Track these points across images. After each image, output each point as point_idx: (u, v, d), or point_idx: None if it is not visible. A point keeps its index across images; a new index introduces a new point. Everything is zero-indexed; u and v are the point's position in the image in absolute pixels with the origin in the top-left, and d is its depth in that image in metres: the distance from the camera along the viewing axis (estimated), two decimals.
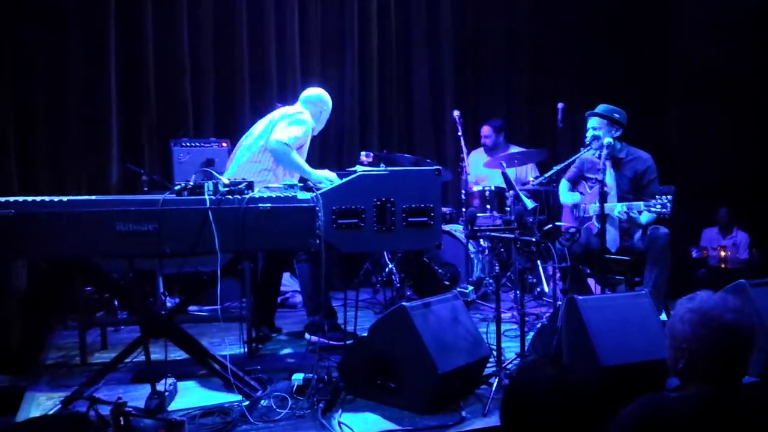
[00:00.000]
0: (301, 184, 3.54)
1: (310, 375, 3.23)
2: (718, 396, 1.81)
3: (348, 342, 3.86)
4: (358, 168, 3.95)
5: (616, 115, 4.46)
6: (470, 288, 5.15)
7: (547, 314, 4.12)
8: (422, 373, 3.01)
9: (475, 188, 5.60)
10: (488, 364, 3.37)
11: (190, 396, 3.28)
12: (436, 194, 3.32)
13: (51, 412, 3.01)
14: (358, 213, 3.21)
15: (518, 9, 7.24)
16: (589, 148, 4.41)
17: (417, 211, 3.25)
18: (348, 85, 6.57)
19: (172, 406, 3.11)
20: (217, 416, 3.00)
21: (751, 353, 1.82)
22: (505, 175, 4.13)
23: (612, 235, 4.35)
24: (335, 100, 6.52)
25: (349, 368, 3.24)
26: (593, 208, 4.35)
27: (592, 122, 4.48)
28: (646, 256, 4.29)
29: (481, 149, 6.28)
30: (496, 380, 3.20)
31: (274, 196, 3.14)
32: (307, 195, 3.16)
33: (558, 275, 3.84)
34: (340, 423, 2.92)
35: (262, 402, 3.14)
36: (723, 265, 6.39)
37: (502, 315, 3.53)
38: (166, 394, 3.08)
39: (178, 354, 3.50)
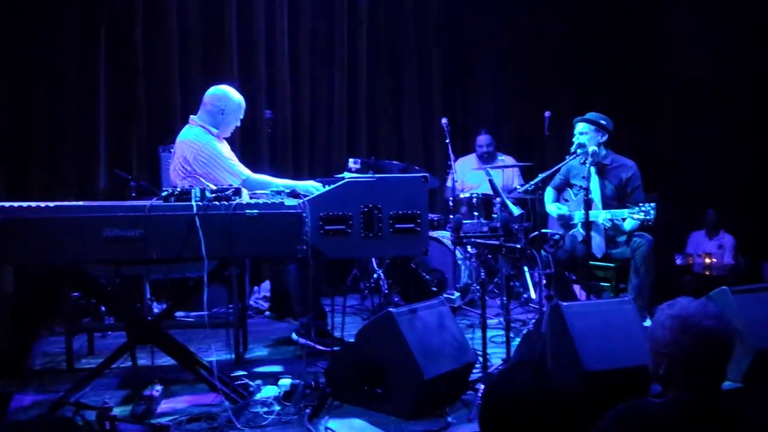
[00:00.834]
0: (288, 191, 3.55)
1: (297, 381, 3.24)
2: (698, 401, 1.83)
3: (335, 348, 3.87)
4: (346, 175, 3.97)
5: (603, 122, 4.52)
6: (456, 294, 5.18)
7: (533, 320, 4.15)
8: (408, 378, 3.03)
9: (463, 195, 5.63)
10: (474, 370, 3.39)
11: (177, 401, 3.28)
12: (423, 201, 3.33)
13: (36, 417, 3.00)
14: (346, 219, 3.22)
15: (508, 17, 7.30)
16: (574, 155, 4.46)
17: (404, 218, 3.27)
18: (337, 92, 6.61)
19: (158, 412, 3.11)
20: (203, 422, 3.00)
21: (730, 359, 1.85)
22: (491, 183, 4.17)
23: (597, 242, 4.40)
24: (325, 107, 6.62)
25: (336, 374, 3.26)
26: (578, 216, 4.39)
27: (579, 127, 4.53)
28: (631, 263, 4.33)
29: (472, 156, 6.31)
30: (482, 386, 3.22)
31: (261, 202, 3.15)
32: (294, 201, 3.18)
33: (543, 282, 3.87)
34: (326, 428, 2.93)
35: (248, 408, 3.14)
36: (708, 272, 6.45)
37: (490, 321, 3.56)
38: (153, 399, 3.08)
39: (164, 360, 3.50)
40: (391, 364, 3.08)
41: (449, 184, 5.76)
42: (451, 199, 5.62)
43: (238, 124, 3.98)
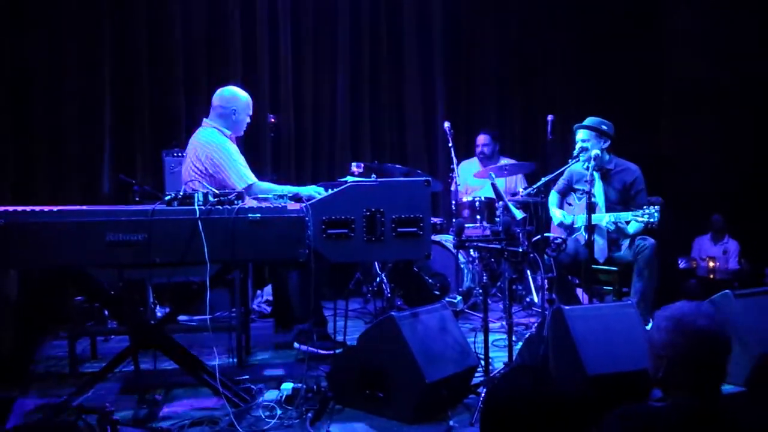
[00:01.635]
0: (291, 194, 3.56)
1: (299, 385, 3.24)
2: (698, 404, 1.83)
3: (337, 351, 3.87)
4: (349, 179, 3.98)
5: (604, 127, 4.51)
6: (459, 298, 5.18)
7: (536, 324, 4.15)
8: (410, 382, 3.03)
9: (465, 198, 5.63)
10: (476, 374, 3.39)
11: (179, 406, 3.28)
12: (426, 205, 3.34)
13: (39, 421, 3.01)
14: (348, 223, 3.23)
15: (510, 21, 7.30)
16: (577, 159, 4.45)
17: (406, 222, 3.27)
18: (340, 96, 6.62)
19: (160, 416, 3.12)
20: (205, 426, 3.02)
21: (727, 358, 1.85)
22: (494, 186, 4.16)
23: (600, 246, 4.40)
24: (328, 111, 6.63)
25: (337, 378, 3.26)
26: (581, 219, 4.39)
27: (581, 135, 4.53)
28: (634, 267, 4.33)
29: (474, 159, 6.31)
30: (484, 389, 3.22)
31: (263, 206, 3.16)
32: (297, 205, 3.19)
33: (546, 285, 3.87)
34: None
35: (251, 412, 3.15)
36: (712, 276, 6.44)
37: (493, 325, 3.56)
38: (155, 403, 3.09)
39: (167, 364, 3.51)
40: (392, 367, 3.08)
41: (453, 188, 5.76)
42: (453, 202, 5.62)
43: (249, 120, 4.13)
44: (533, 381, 1.71)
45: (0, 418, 3.21)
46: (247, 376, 3.59)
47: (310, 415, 3.07)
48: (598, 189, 4.46)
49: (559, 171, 4.54)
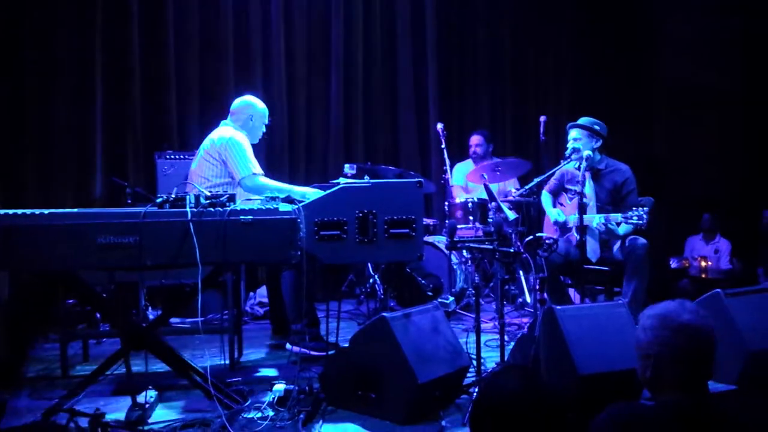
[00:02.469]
0: (283, 196, 3.56)
1: (292, 386, 3.24)
2: (687, 402, 1.84)
3: (329, 353, 3.87)
4: (342, 180, 3.98)
5: (597, 127, 4.53)
6: (451, 299, 5.19)
7: (528, 324, 4.16)
8: (402, 383, 3.03)
9: (458, 200, 5.64)
10: (468, 374, 3.40)
11: (171, 408, 3.28)
12: (418, 206, 3.34)
13: (30, 424, 3.00)
14: (341, 225, 3.23)
15: (503, 23, 7.34)
16: (569, 160, 4.47)
17: (399, 223, 3.28)
18: (333, 98, 6.63)
19: (152, 418, 3.11)
20: (197, 428, 3.00)
21: (713, 354, 1.86)
22: (486, 187, 4.18)
23: (592, 246, 4.41)
24: (321, 113, 6.63)
25: (330, 379, 3.26)
26: (573, 220, 4.40)
27: (573, 133, 4.55)
28: (625, 267, 4.34)
29: (468, 161, 6.32)
30: (476, 390, 3.22)
31: (255, 208, 3.16)
32: (289, 207, 3.19)
33: (538, 285, 3.88)
34: None
35: (243, 413, 3.15)
36: (704, 275, 6.47)
37: (485, 325, 3.56)
38: (147, 406, 3.08)
39: (159, 366, 3.50)
40: (384, 368, 3.08)
41: (448, 189, 5.77)
42: (446, 203, 5.63)
43: (264, 130, 4.36)
44: (523, 381, 1.71)
45: None
46: (240, 378, 3.58)
47: (302, 416, 3.06)
48: (589, 189, 4.48)
49: (551, 172, 4.55)
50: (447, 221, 5.51)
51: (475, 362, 3.44)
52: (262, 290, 5.56)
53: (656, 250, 4.58)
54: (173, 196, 3.13)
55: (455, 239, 3.56)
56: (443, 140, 5.68)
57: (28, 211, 2.96)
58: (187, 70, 5.99)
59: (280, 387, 3.25)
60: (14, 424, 3.05)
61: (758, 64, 6.68)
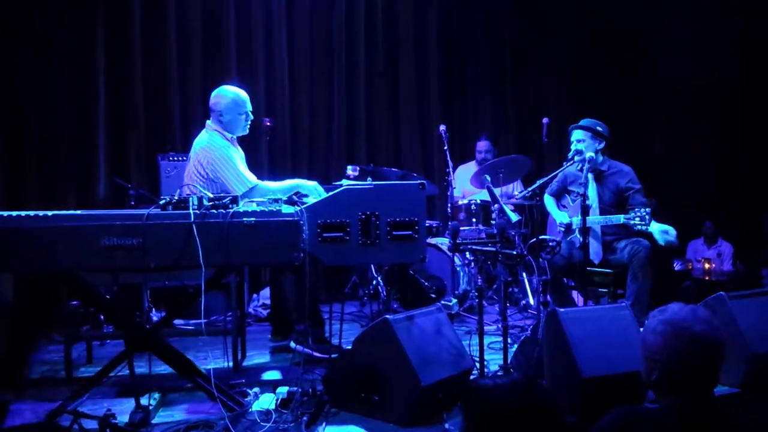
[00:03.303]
0: (285, 198, 3.57)
1: (295, 388, 3.24)
2: (691, 407, 1.84)
3: (333, 355, 3.87)
4: (344, 182, 3.98)
5: (599, 128, 4.53)
6: (454, 301, 5.18)
7: (531, 326, 4.15)
8: (405, 385, 3.03)
9: (461, 202, 5.64)
10: (471, 376, 3.39)
11: (174, 410, 3.28)
12: (421, 208, 3.34)
13: (34, 426, 3.00)
14: (343, 226, 3.23)
15: (504, 25, 7.34)
16: (571, 162, 4.47)
17: (401, 225, 3.27)
18: (336, 99, 6.63)
19: (156, 420, 3.11)
20: (201, 430, 3.01)
21: (721, 364, 1.86)
22: (489, 189, 4.17)
23: (595, 248, 4.41)
24: (324, 114, 6.63)
25: (333, 381, 3.26)
26: (576, 221, 4.40)
27: (576, 135, 4.54)
28: (629, 269, 4.33)
29: (472, 163, 6.32)
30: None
31: (258, 210, 3.16)
32: (292, 209, 3.19)
33: (541, 288, 3.88)
34: None
35: (246, 415, 3.15)
36: (707, 278, 6.46)
37: (488, 327, 3.56)
38: (150, 408, 3.08)
39: (162, 368, 3.50)
40: (388, 371, 3.08)
41: (451, 191, 5.76)
42: (449, 205, 5.63)
43: (250, 117, 4.05)
44: (515, 385, 1.70)
45: None
46: (243, 380, 3.58)
47: (305, 418, 3.06)
48: (592, 191, 4.47)
49: (553, 174, 4.55)
50: (450, 223, 5.52)
51: (478, 364, 3.44)
52: (266, 292, 5.56)
53: (659, 252, 4.57)
54: (176, 197, 3.14)
55: (458, 241, 3.56)
56: (446, 142, 5.68)
57: (31, 213, 2.97)
58: (189, 72, 6.00)
59: (283, 389, 3.25)
60: (17, 427, 3.06)
61: (758, 64, 6.67)
